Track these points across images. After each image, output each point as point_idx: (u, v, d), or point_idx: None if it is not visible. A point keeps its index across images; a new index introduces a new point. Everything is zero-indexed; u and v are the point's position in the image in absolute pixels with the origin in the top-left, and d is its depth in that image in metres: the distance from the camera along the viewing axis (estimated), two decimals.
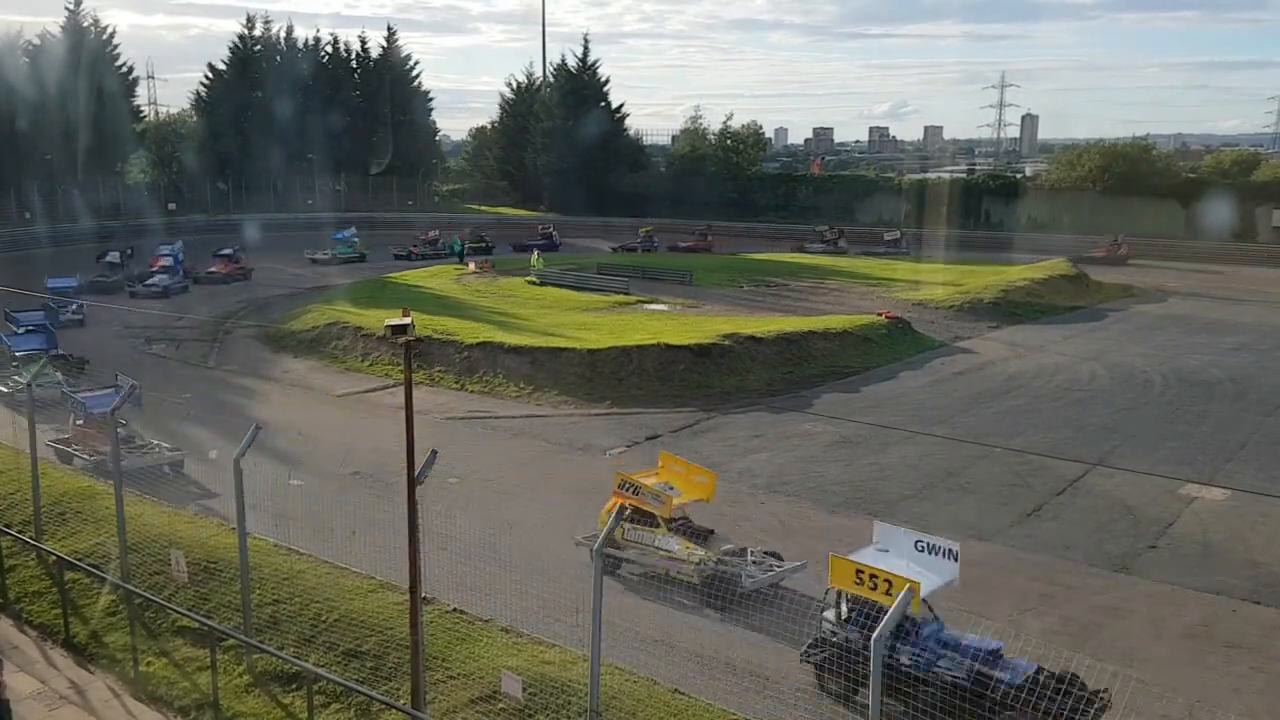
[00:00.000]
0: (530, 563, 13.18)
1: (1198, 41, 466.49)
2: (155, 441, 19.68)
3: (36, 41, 60.85)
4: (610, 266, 47.00)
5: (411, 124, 73.86)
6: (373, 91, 72.60)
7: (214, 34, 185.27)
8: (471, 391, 26.70)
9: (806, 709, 10.87)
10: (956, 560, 9.89)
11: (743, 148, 75.43)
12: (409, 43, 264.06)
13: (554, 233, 59.70)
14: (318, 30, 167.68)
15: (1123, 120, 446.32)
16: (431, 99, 77.66)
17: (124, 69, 66.30)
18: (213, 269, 44.99)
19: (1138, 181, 59.09)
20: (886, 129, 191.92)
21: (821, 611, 11.65)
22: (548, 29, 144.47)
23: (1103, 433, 22.55)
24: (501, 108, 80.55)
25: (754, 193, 71.47)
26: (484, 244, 56.73)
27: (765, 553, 14.58)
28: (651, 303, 38.92)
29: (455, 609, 11.90)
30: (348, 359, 29.93)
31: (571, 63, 75.48)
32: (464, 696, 10.30)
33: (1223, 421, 23.42)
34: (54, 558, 13.29)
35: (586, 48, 75.50)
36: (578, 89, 74.09)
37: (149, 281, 41.45)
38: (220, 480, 16.94)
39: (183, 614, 11.89)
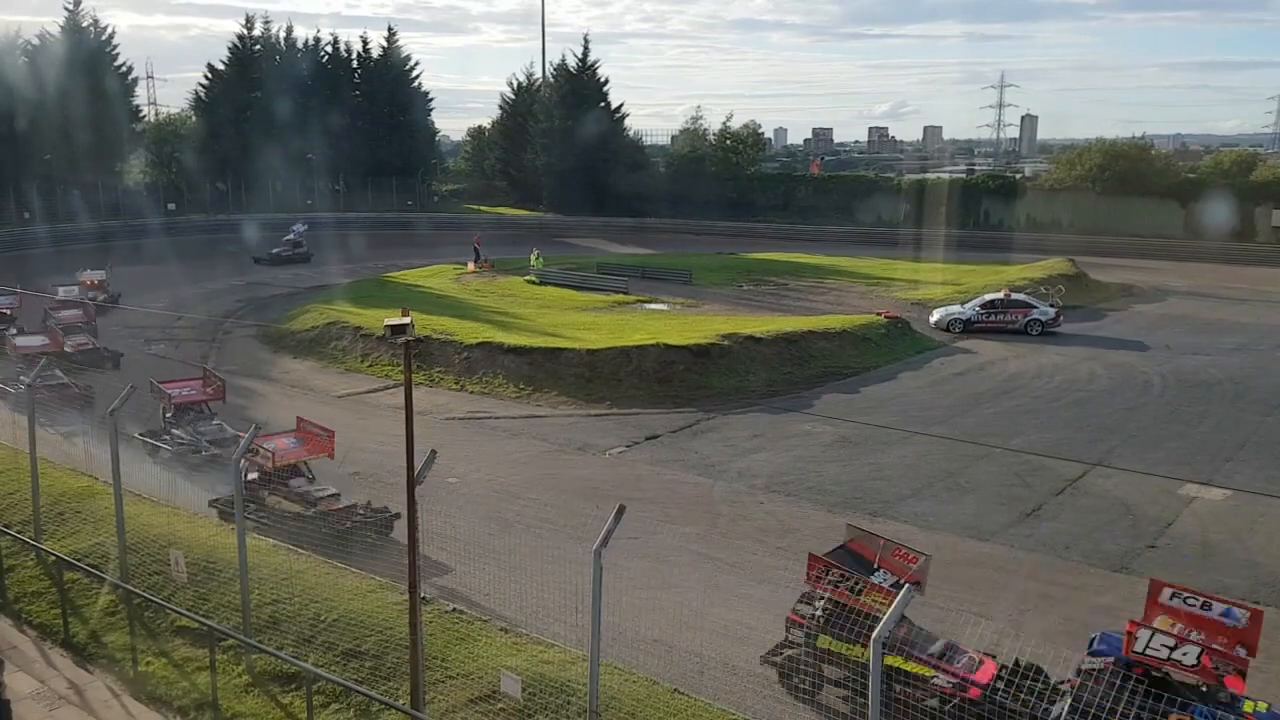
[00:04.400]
0: (529, 562, 13.18)
1: (1198, 41, 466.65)
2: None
3: (36, 41, 60.80)
4: (610, 266, 46.99)
5: (411, 124, 73.78)
6: (372, 92, 72.58)
7: (214, 34, 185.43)
8: (471, 392, 26.71)
9: (806, 708, 10.87)
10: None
11: (742, 148, 75.24)
12: (409, 43, 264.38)
13: None
14: (318, 30, 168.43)
15: (1123, 120, 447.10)
16: (431, 99, 77.62)
17: (123, 69, 66.11)
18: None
19: (1137, 181, 59.07)
20: (886, 129, 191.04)
21: None
22: (548, 29, 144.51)
23: (1102, 433, 22.56)
24: (501, 108, 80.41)
25: (753, 193, 71.43)
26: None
27: None
28: (651, 302, 38.96)
29: (454, 609, 11.90)
30: (347, 359, 29.95)
31: (571, 63, 75.31)
32: (463, 696, 10.30)
33: (1222, 421, 23.41)
34: (53, 558, 13.29)
35: (586, 48, 75.30)
36: (577, 89, 73.92)
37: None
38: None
39: (182, 614, 11.89)
